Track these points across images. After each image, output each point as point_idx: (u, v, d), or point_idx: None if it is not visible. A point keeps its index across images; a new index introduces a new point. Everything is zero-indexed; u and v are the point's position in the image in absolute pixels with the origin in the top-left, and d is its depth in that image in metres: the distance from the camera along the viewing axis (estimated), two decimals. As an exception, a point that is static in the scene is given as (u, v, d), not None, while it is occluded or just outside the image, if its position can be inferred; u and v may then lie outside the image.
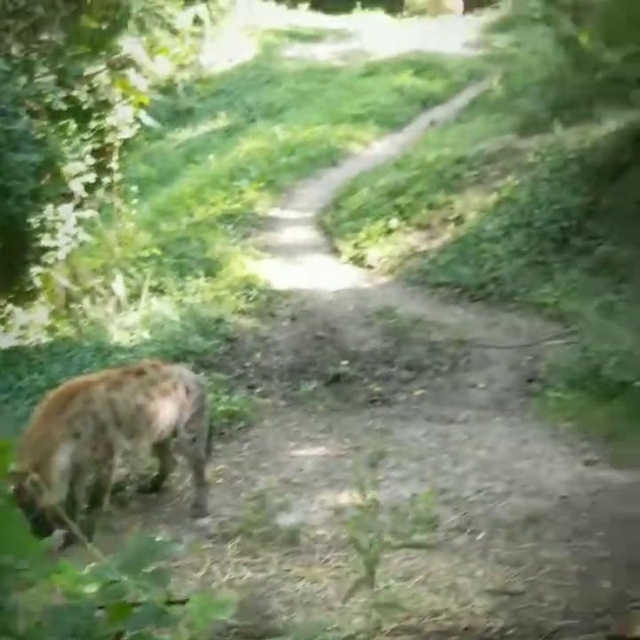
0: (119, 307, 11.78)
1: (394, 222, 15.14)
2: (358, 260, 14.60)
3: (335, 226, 16.04)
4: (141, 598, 2.03)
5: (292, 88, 28.33)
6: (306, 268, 14.33)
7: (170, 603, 2.06)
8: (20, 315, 11.19)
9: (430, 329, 11.71)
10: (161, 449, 7.24)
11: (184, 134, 25.30)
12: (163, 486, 7.46)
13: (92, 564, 2.16)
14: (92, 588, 2.07)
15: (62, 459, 6.04)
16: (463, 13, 38.35)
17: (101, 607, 2.02)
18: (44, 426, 6.05)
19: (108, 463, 6.42)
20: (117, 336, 10.91)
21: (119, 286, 11.93)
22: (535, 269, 12.98)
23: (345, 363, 10.85)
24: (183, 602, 2.14)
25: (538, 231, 13.54)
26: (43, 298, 11.72)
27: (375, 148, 21.47)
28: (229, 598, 2.74)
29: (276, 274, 13.74)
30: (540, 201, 13.99)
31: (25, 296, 11.25)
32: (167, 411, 6.84)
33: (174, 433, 6.97)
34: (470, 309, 12.54)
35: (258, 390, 10.14)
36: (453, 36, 33.40)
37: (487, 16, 36.37)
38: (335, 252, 15.13)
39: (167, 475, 7.50)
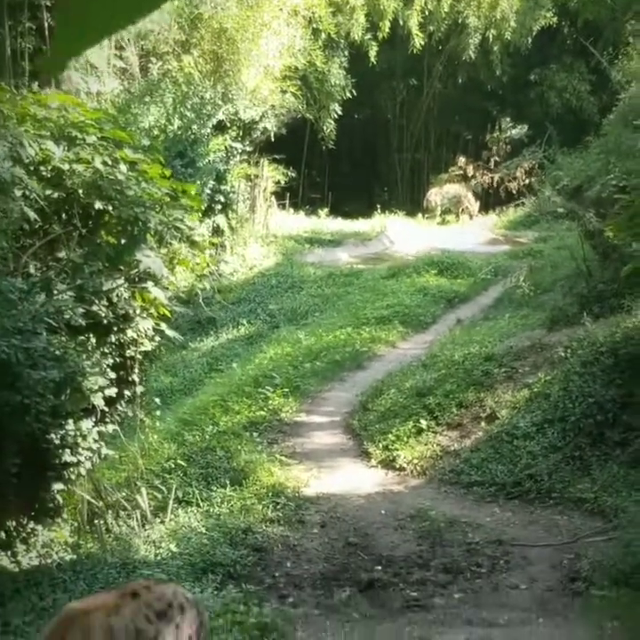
0: (144, 520, 11.96)
1: (423, 423, 15.43)
2: (388, 463, 14.80)
3: (363, 429, 16.30)
4: None
5: (314, 293, 29.19)
6: (334, 472, 14.55)
7: None
8: (42, 533, 11.32)
9: (466, 530, 11.86)
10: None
11: (206, 343, 25.86)
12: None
13: None
14: None
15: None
16: (480, 214, 40.11)
17: None
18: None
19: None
20: (143, 550, 11.06)
21: (143, 499, 12.14)
22: (572, 465, 13.17)
23: (379, 568, 10.96)
24: None
25: (573, 426, 13.78)
26: (65, 514, 11.88)
27: (401, 349, 21.97)
28: None
29: (305, 480, 13.94)
30: (573, 395, 14.29)
31: (47, 513, 11.40)
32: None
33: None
34: (506, 508, 12.68)
35: (289, 600, 10.22)
36: (474, 235, 34.64)
37: (508, 215, 37.87)
38: (364, 455, 15.37)
39: None
